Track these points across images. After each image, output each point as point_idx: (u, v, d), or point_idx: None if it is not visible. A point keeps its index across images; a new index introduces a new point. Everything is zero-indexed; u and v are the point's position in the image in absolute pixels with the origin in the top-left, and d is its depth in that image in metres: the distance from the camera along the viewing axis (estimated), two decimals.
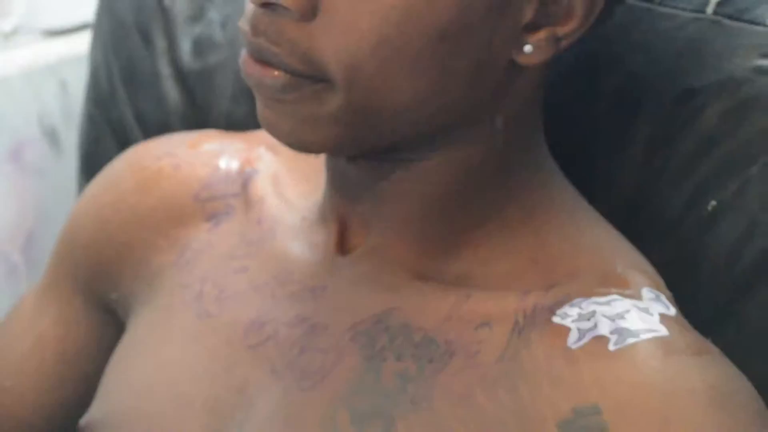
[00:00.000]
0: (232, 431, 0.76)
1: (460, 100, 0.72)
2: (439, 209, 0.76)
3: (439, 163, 0.74)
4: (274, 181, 0.86)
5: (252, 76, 0.71)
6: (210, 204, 0.86)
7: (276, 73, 0.70)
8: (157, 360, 0.81)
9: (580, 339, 0.70)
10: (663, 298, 0.73)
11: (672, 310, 0.72)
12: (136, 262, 0.87)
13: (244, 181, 0.86)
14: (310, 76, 0.70)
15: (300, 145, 0.73)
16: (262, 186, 0.85)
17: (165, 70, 1.00)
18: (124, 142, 1.01)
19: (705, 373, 0.68)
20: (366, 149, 0.74)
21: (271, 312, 0.79)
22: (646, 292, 0.72)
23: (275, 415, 0.75)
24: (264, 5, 0.69)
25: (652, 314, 0.71)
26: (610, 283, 0.73)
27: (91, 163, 1.04)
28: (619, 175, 0.82)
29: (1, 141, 1.14)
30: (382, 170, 0.75)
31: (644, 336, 0.69)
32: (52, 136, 1.18)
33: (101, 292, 0.89)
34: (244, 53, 0.72)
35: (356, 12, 0.68)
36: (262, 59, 0.70)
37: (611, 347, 0.69)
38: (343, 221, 0.79)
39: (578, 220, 0.77)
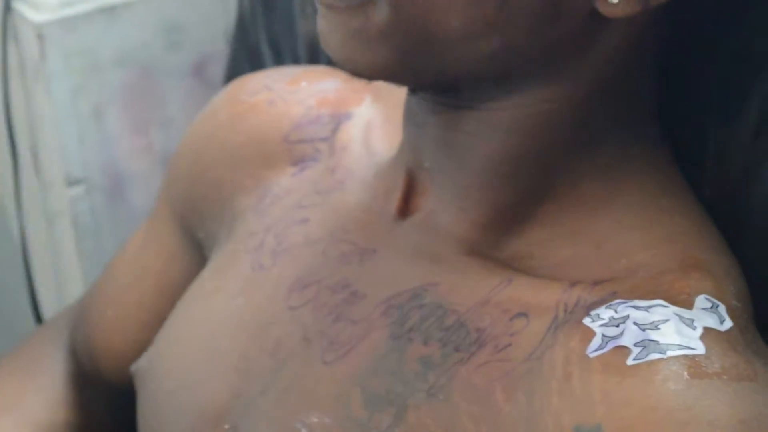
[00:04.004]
0: (254, 395, 0.72)
1: (527, 43, 0.64)
2: (507, 172, 0.68)
3: (511, 115, 0.66)
4: (366, 128, 0.79)
5: None
6: (298, 147, 0.81)
7: None
8: (205, 310, 0.78)
9: (600, 347, 0.60)
10: (722, 309, 0.62)
11: (726, 325, 0.61)
12: (222, 201, 0.83)
13: (336, 125, 0.80)
14: None
15: (350, 63, 0.67)
16: (350, 132, 0.79)
17: None
18: (258, 69, 0.97)
19: (737, 404, 0.57)
20: (425, 82, 0.67)
21: (317, 272, 0.73)
22: (701, 300, 0.62)
23: (293, 386, 0.70)
24: None
25: (694, 327, 0.60)
26: (664, 284, 0.63)
27: None
28: (730, 150, 0.71)
29: (186, 56, 1.13)
30: (450, 116, 0.68)
31: (672, 352, 0.59)
32: None
33: (192, 230, 0.86)
34: None
35: None
36: None
37: (629, 361, 0.59)
38: (411, 179, 0.72)
39: (662, 207, 0.67)
